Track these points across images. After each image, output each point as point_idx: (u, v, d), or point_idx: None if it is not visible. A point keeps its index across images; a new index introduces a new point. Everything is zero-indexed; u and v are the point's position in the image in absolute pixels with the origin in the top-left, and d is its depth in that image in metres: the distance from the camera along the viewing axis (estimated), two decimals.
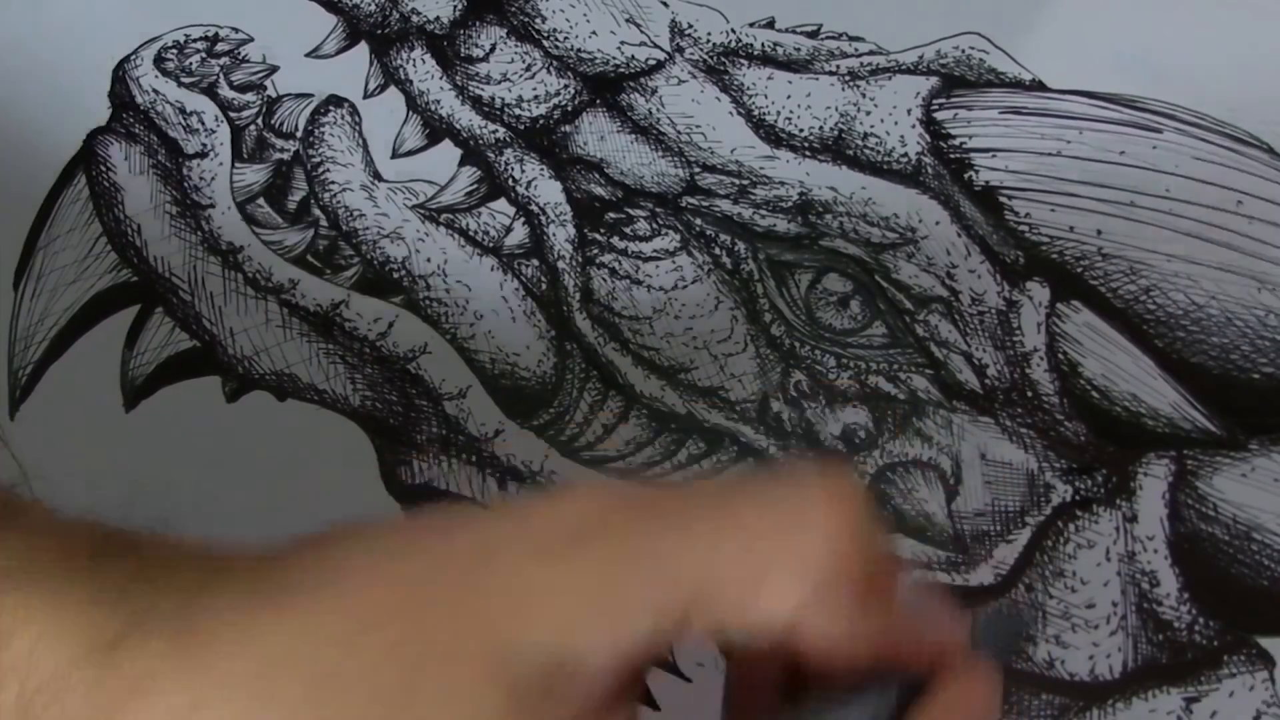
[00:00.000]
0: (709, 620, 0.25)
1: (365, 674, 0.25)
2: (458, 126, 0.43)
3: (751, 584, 0.25)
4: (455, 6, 0.45)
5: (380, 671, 0.25)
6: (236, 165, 0.42)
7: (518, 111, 0.43)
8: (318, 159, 0.42)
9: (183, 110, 0.43)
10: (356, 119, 0.43)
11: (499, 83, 0.44)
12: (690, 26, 0.45)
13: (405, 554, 0.27)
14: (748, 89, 0.44)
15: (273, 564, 0.28)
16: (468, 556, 0.26)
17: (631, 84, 0.44)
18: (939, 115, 0.43)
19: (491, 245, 0.41)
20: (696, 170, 0.42)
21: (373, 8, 0.45)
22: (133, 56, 0.43)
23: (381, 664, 0.25)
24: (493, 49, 0.44)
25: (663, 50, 0.45)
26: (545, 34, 0.44)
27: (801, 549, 0.25)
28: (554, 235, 0.41)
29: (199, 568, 0.27)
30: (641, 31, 0.45)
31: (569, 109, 0.43)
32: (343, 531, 0.30)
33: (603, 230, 0.42)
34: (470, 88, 0.44)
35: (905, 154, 0.43)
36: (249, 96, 0.43)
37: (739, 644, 0.28)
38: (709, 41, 0.45)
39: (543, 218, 0.42)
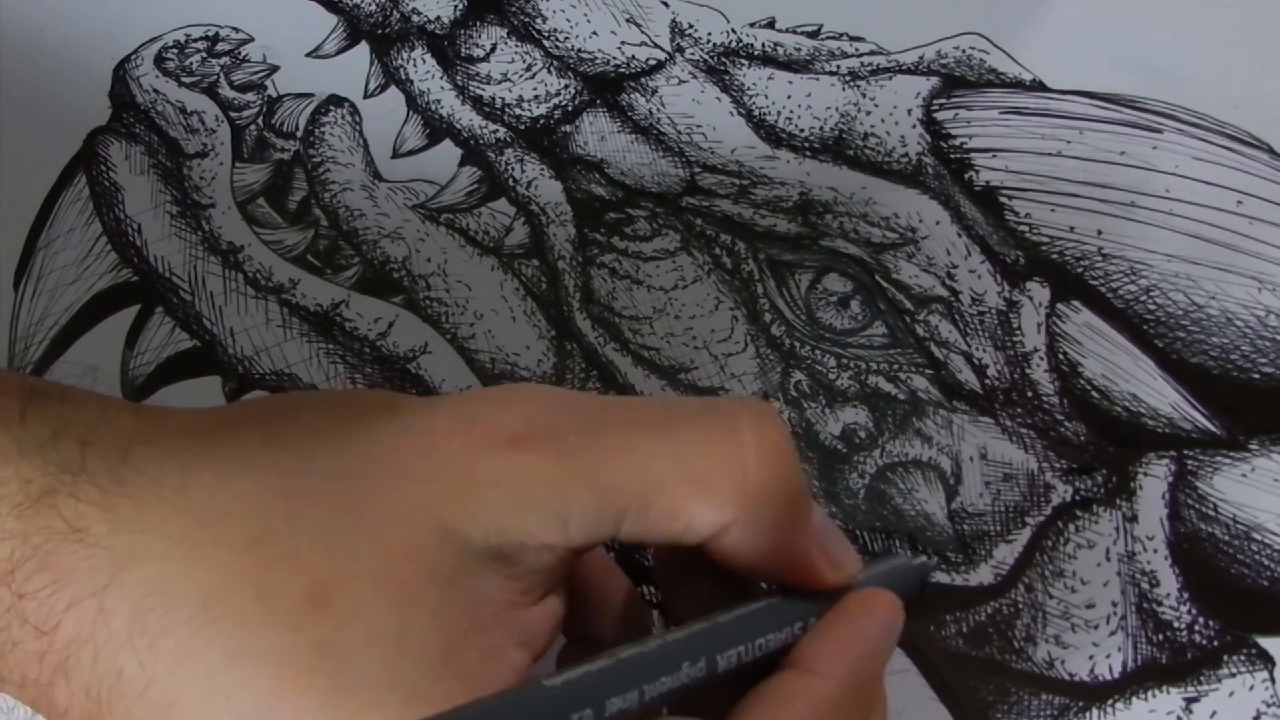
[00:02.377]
0: (641, 525, 0.26)
1: (302, 540, 0.25)
2: (458, 126, 0.43)
3: (683, 496, 0.26)
4: (455, 6, 0.45)
5: (318, 538, 0.25)
6: (237, 165, 0.42)
7: (518, 111, 0.43)
8: (318, 159, 0.42)
9: (183, 110, 0.43)
10: (357, 119, 0.43)
11: (499, 83, 0.44)
12: (691, 26, 0.45)
13: (351, 428, 0.27)
14: (748, 89, 0.44)
15: (212, 424, 0.27)
16: (413, 441, 0.26)
17: (632, 84, 0.44)
18: (939, 115, 0.43)
19: (491, 245, 0.41)
20: (697, 170, 0.42)
21: (373, 8, 0.45)
22: (133, 56, 0.43)
23: (320, 532, 0.25)
24: (493, 49, 0.44)
25: (663, 50, 0.45)
26: (546, 34, 0.44)
27: (732, 466, 0.26)
28: (554, 235, 0.41)
29: (131, 423, 0.27)
30: (642, 31, 0.45)
31: (569, 109, 0.43)
32: (286, 398, 0.30)
33: (603, 230, 0.42)
34: (471, 88, 0.44)
35: (905, 154, 0.43)
36: (249, 96, 0.43)
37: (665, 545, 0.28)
38: (709, 41, 0.45)
39: (543, 218, 0.42)
